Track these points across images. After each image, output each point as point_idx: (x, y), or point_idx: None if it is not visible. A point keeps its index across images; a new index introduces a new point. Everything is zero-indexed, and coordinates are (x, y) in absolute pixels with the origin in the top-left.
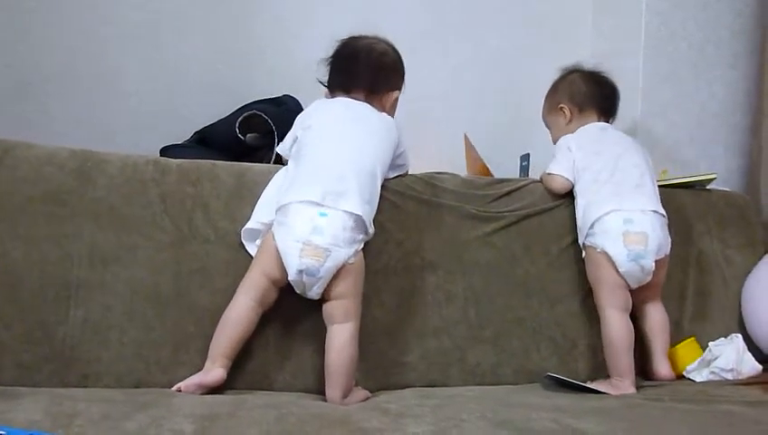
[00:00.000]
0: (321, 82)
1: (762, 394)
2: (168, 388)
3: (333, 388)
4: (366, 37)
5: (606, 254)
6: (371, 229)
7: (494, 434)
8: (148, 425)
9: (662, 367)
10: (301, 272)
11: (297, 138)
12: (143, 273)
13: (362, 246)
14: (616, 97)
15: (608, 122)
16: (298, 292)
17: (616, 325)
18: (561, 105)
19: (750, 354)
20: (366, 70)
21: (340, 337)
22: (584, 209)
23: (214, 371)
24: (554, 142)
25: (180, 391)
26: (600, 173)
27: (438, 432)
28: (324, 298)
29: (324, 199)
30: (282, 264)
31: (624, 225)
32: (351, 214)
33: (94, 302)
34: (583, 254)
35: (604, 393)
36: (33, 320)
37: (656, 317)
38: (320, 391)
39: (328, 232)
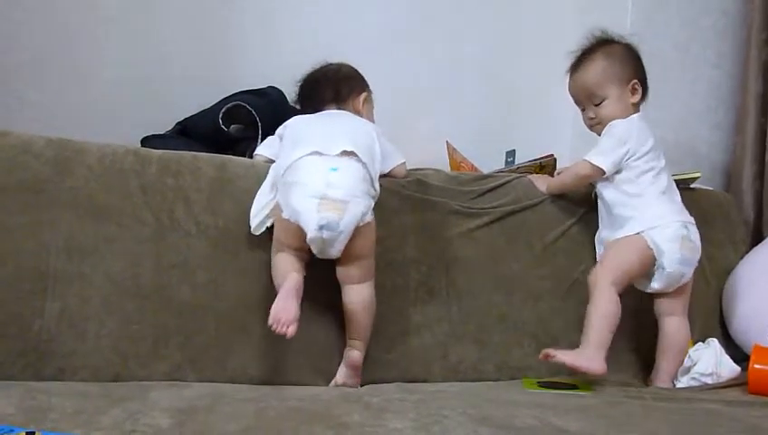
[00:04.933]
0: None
1: (740, 395)
2: (147, 382)
3: (358, 340)
4: (323, 66)
5: (656, 251)
6: (377, 185)
7: (475, 431)
8: (124, 420)
9: (665, 385)
10: (321, 228)
11: (283, 136)
12: (122, 265)
13: (373, 203)
14: None
15: None
16: (316, 252)
17: (609, 301)
18: (636, 82)
19: (728, 357)
20: (327, 86)
21: (364, 294)
22: (647, 208)
23: (293, 275)
24: (605, 122)
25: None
26: (659, 175)
27: (420, 428)
28: (342, 260)
29: (329, 148)
30: (298, 231)
31: (682, 229)
32: (355, 156)
33: (71, 294)
34: (622, 236)
35: (582, 392)
36: (8, 312)
37: (679, 336)
38: (300, 383)
39: (342, 184)
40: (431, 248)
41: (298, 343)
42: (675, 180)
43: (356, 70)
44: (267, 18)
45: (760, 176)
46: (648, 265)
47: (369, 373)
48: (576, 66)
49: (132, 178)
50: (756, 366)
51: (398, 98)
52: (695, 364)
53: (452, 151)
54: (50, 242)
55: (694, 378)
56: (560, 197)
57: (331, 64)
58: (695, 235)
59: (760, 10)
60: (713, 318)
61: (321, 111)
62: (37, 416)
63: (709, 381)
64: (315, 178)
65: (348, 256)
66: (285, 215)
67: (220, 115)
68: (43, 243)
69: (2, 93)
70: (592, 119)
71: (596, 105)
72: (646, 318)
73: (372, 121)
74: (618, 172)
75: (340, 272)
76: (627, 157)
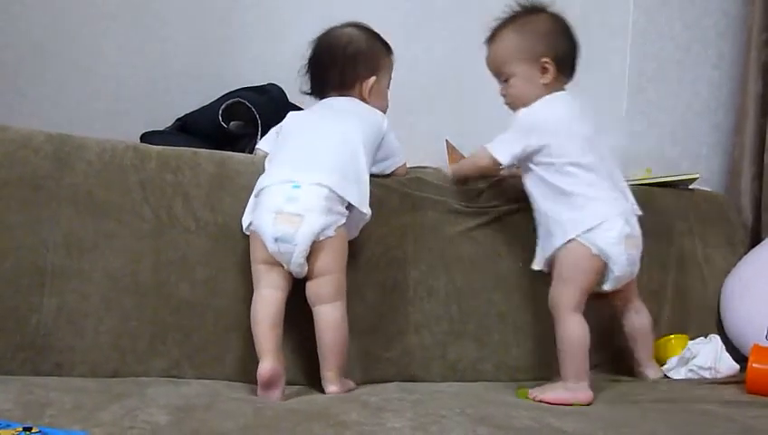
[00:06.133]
0: (303, 93)
1: (738, 393)
2: (144, 378)
3: (330, 369)
4: (333, 30)
5: (602, 256)
6: (365, 209)
7: (473, 431)
8: (123, 416)
9: (651, 371)
10: (277, 241)
11: (279, 133)
12: (121, 261)
13: (342, 221)
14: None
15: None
16: (285, 266)
17: (579, 328)
18: (545, 60)
19: (727, 354)
20: (333, 69)
21: (332, 316)
22: (582, 204)
23: (264, 364)
24: (515, 102)
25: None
26: (588, 157)
27: (418, 427)
28: (307, 276)
29: (302, 177)
30: (263, 244)
31: (626, 226)
32: (325, 186)
33: (70, 290)
34: (562, 245)
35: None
36: (6, 307)
37: (641, 321)
38: (298, 382)
39: (301, 199)
40: (430, 247)
41: (293, 344)
42: (673, 181)
43: (368, 43)
44: (268, 14)
45: (758, 177)
46: (601, 273)
47: (367, 371)
48: (489, 39)
49: (132, 174)
50: (755, 365)
51: (397, 96)
52: (694, 357)
53: (451, 150)
54: (48, 237)
55: (692, 370)
56: None
57: (341, 34)
58: (637, 228)
59: (760, 11)
60: (710, 319)
61: (324, 96)
62: (35, 411)
63: (707, 375)
64: (275, 197)
65: (313, 271)
66: (252, 227)
67: (220, 112)
68: (42, 238)
69: (2, 88)
70: (504, 96)
71: (504, 81)
72: (602, 312)
73: (382, 106)
74: (537, 165)
75: (308, 289)
76: (532, 150)
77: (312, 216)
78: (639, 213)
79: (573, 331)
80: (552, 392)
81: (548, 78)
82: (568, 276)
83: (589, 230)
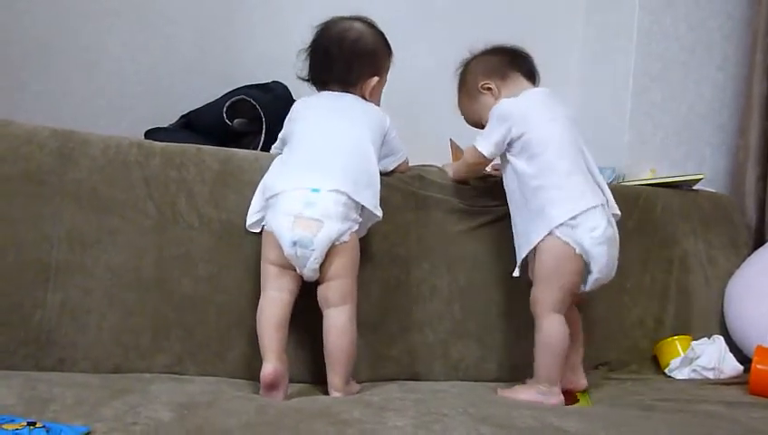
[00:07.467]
0: (300, 78)
1: (741, 394)
2: (147, 374)
3: (335, 374)
4: (342, 21)
5: (584, 256)
6: (378, 212)
7: (475, 430)
8: (125, 412)
9: (582, 379)
10: (294, 244)
11: (285, 133)
12: (124, 257)
13: (356, 227)
14: (527, 56)
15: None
16: (297, 269)
17: (560, 331)
18: (481, 84)
19: (731, 355)
20: (339, 63)
21: (339, 320)
22: (560, 196)
23: (267, 366)
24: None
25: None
26: (563, 147)
27: (420, 426)
28: (319, 280)
29: (315, 180)
30: (278, 245)
31: (609, 228)
32: (343, 193)
33: (73, 285)
34: (542, 240)
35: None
36: (9, 302)
37: (575, 322)
38: (302, 380)
39: (320, 205)
40: (433, 246)
41: (301, 342)
42: (678, 182)
43: (376, 40)
44: (273, 12)
45: (763, 179)
46: (583, 272)
47: (370, 369)
48: (461, 112)
49: (136, 171)
50: (759, 367)
51: (401, 95)
52: (697, 357)
53: (455, 149)
54: (52, 233)
55: (695, 371)
56: None
57: (350, 28)
58: (615, 227)
59: (766, 14)
60: (714, 320)
61: (325, 87)
62: (37, 406)
63: (710, 375)
64: (294, 200)
65: (325, 275)
66: (267, 228)
67: (224, 109)
68: (46, 234)
69: (6, 84)
70: None
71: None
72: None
73: (377, 104)
74: (515, 156)
75: (319, 293)
76: (512, 138)
77: (331, 222)
78: (618, 213)
79: (552, 333)
80: (523, 394)
81: (496, 92)
82: (549, 276)
83: (569, 224)
